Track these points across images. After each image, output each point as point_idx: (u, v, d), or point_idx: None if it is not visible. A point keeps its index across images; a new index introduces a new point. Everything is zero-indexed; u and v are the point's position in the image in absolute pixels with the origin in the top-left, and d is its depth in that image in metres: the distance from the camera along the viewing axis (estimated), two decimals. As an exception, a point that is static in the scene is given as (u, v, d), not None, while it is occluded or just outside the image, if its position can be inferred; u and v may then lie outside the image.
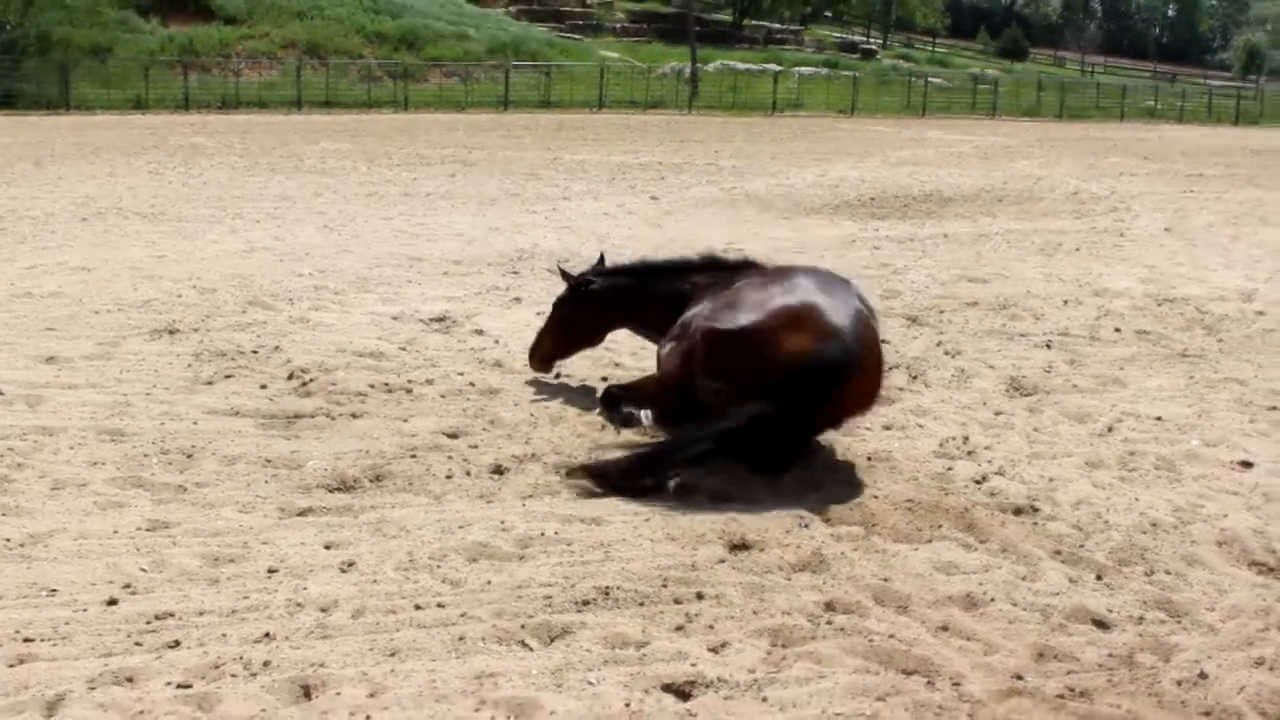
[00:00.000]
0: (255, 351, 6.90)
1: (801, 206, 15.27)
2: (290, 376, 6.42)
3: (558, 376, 6.74)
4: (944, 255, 11.58)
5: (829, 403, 4.86)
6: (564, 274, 6.46)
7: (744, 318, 4.98)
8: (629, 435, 5.50)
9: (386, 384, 6.40)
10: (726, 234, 12.58)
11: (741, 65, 46.63)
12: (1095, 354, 7.61)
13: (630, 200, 15.40)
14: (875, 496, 4.86)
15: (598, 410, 5.90)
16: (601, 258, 6.57)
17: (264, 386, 6.22)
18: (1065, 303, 9.27)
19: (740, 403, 4.76)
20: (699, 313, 5.35)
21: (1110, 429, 5.95)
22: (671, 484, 4.75)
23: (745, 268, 5.80)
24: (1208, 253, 12.10)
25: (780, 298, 5.05)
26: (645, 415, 5.43)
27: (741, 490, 4.87)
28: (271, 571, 4.00)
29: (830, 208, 15.24)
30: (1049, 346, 7.79)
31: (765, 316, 4.94)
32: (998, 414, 6.24)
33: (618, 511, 4.65)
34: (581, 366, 6.92)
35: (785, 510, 4.66)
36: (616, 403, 5.77)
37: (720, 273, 5.79)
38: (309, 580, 3.94)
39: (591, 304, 6.26)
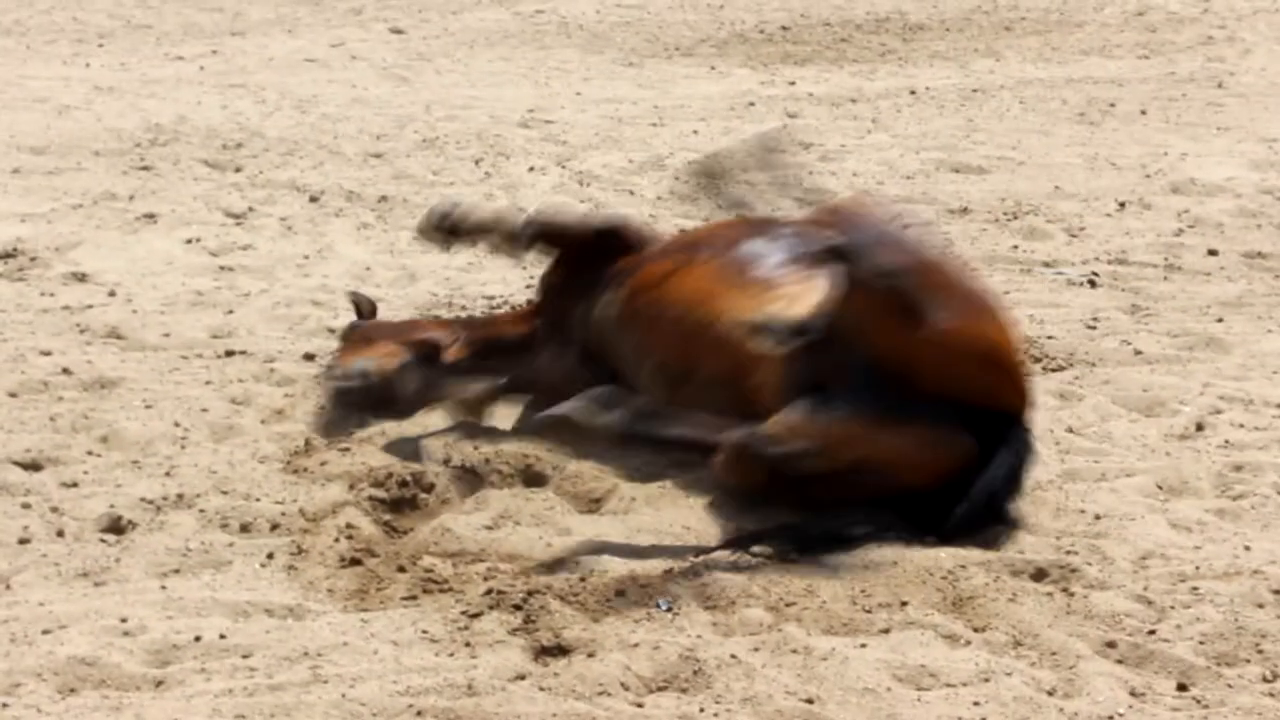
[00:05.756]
0: None
1: (660, 43, 15.44)
2: None
3: (228, 354, 6.72)
4: (910, 126, 11.78)
5: None
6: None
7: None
8: None
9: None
10: (527, 96, 12.58)
11: None
12: (1175, 295, 7.77)
13: (354, 35, 15.39)
14: (789, 553, 4.92)
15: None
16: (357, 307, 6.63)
17: None
18: (1122, 206, 9.47)
19: None
20: None
21: (1200, 426, 6.04)
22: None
23: None
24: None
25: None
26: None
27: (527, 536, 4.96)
28: None
29: (711, 44, 15.43)
30: (1093, 284, 7.99)
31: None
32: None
33: (336, 595, 4.64)
34: (266, 329, 7.00)
35: (627, 577, 4.69)
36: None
37: None
38: None
39: None
